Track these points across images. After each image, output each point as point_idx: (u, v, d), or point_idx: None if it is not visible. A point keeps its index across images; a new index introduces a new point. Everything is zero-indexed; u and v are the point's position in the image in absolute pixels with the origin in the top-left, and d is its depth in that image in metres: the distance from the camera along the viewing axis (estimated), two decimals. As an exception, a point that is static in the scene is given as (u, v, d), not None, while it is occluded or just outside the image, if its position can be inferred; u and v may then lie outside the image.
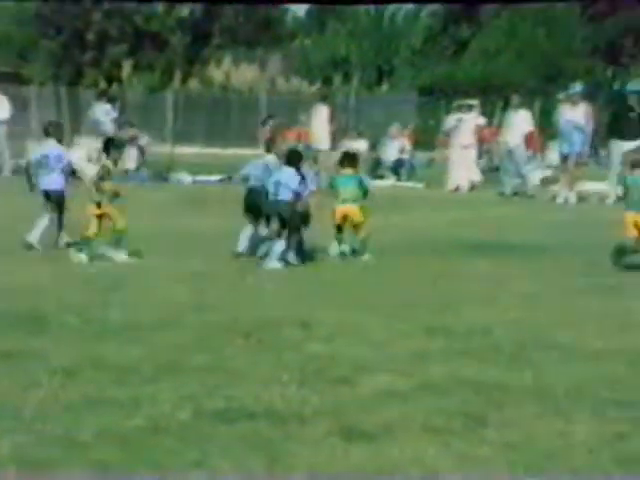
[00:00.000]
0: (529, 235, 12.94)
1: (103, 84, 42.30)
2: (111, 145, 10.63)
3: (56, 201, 11.00)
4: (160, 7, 47.93)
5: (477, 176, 21.76)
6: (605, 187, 18.98)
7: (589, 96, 20.16)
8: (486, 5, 47.32)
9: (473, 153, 21.84)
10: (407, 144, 25.52)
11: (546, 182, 21.20)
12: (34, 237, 10.79)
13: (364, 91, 41.36)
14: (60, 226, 10.95)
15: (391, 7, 48.17)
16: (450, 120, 22.05)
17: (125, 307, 7.72)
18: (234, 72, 45.26)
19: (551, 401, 5.28)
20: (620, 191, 18.41)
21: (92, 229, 10.17)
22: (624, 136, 18.56)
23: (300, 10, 55.41)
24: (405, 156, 25.23)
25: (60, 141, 11.32)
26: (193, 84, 44.13)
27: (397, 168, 24.82)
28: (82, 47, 45.88)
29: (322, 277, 9.39)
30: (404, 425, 4.85)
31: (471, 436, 4.71)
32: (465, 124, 21.41)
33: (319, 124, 23.42)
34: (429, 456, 4.46)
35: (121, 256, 10.08)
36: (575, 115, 18.85)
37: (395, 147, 25.09)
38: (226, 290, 8.62)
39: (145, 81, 43.55)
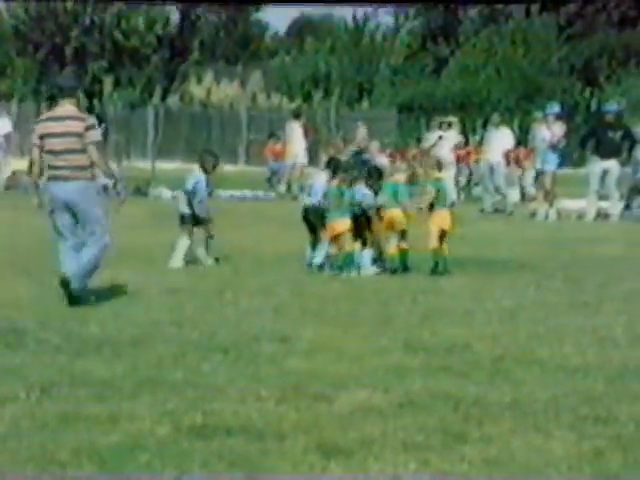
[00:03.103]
0: (508, 251, 12.97)
1: (83, 100, 42.24)
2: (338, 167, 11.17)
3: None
4: (140, 22, 47.96)
5: (453, 195, 21.79)
6: (584, 204, 19.08)
7: (567, 115, 20.32)
8: (469, 9, 47.58)
9: (452, 171, 21.91)
10: (387, 161, 25.52)
11: (526, 199, 21.30)
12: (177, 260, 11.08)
13: (344, 108, 41.46)
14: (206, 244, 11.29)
15: (371, 24, 48.44)
16: (430, 137, 22.13)
17: (104, 323, 7.68)
18: (215, 88, 45.31)
19: (530, 417, 5.28)
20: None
21: (349, 244, 10.58)
22: (602, 155, 18.68)
23: (280, 27, 55.57)
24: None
25: (206, 171, 11.51)
26: (174, 100, 44.15)
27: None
28: (61, 63, 45.83)
29: (301, 292, 9.38)
30: (383, 441, 4.84)
31: (450, 452, 4.70)
32: (445, 142, 21.48)
33: (294, 141, 23.51)
34: (408, 473, 4.45)
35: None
36: (549, 134, 18.98)
37: (377, 163, 25.06)
38: (205, 305, 8.59)
39: (125, 97, 43.52)
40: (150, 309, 8.35)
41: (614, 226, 17.89)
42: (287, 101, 42.40)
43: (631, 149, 19.06)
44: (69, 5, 46.12)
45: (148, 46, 47.31)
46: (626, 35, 45.80)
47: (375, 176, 11.07)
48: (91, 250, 8.60)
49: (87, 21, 46.12)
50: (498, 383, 5.96)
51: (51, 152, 8.55)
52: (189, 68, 47.71)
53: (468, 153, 24.49)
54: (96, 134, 8.59)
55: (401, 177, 11.08)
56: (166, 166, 30.02)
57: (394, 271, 10.69)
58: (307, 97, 43.01)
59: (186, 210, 11.32)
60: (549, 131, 19.07)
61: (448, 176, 21.39)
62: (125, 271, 10.23)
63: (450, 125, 22.35)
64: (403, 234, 10.83)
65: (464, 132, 25.27)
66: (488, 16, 48.35)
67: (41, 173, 8.79)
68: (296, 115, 24.98)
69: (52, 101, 43.21)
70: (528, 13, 46.39)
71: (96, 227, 8.59)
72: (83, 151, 8.48)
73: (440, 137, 21.60)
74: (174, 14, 50.05)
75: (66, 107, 8.64)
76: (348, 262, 10.58)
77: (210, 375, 6.08)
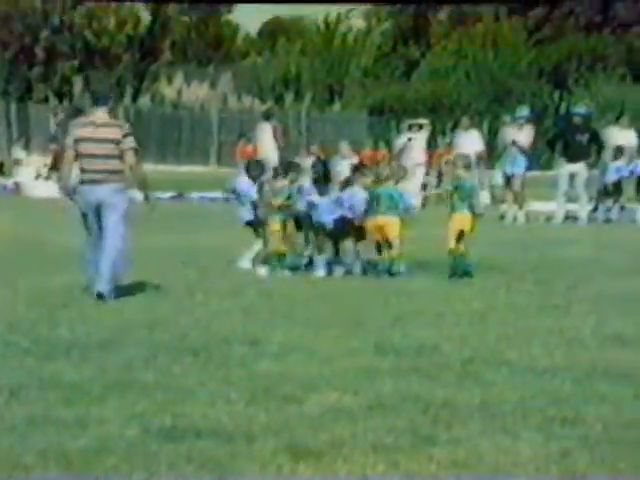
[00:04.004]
0: (478, 253, 13.02)
1: (53, 100, 42.04)
2: (289, 168, 11.41)
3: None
4: (111, 22, 47.72)
5: (417, 201, 21.76)
6: (553, 207, 19.20)
7: (536, 118, 20.48)
8: (439, 11, 47.76)
9: (422, 172, 21.98)
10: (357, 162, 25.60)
11: (495, 201, 21.41)
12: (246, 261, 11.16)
13: (316, 110, 41.50)
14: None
15: (342, 27, 48.50)
16: (401, 139, 22.20)
17: (73, 325, 7.65)
18: (185, 89, 45.21)
19: (498, 419, 5.31)
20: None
21: (279, 245, 10.83)
22: (570, 158, 18.80)
23: (252, 28, 55.52)
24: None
25: (253, 179, 11.61)
26: (144, 101, 44.00)
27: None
28: (30, 63, 45.55)
29: (272, 293, 9.38)
30: (352, 443, 4.85)
31: (419, 454, 4.72)
32: (415, 143, 21.55)
33: (265, 142, 23.49)
34: (377, 474, 4.46)
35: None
36: (519, 137, 19.11)
37: (346, 164, 25.16)
38: (175, 307, 8.57)
39: (96, 97, 43.27)
40: (120, 311, 8.33)
41: (582, 228, 18.01)
42: (258, 103, 42.39)
43: (599, 152, 19.22)
44: (38, 5, 45.86)
45: (119, 46, 47.12)
46: (593, 40, 46.28)
47: (321, 176, 11.29)
48: (109, 253, 8.96)
49: (57, 21, 45.88)
50: (467, 385, 5.98)
51: (87, 156, 8.92)
52: (159, 69, 47.58)
53: (439, 155, 24.60)
54: (132, 141, 8.99)
55: (367, 181, 11.06)
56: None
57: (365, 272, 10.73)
58: (278, 99, 43.01)
59: (250, 216, 11.44)
60: (519, 134, 19.19)
61: (418, 177, 21.54)
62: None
63: (421, 127, 22.43)
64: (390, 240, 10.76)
65: (434, 135, 25.37)
66: (458, 19, 48.59)
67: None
68: (267, 116, 24.95)
69: (22, 101, 42.85)
70: (497, 16, 46.68)
71: (115, 224, 8.95)
72: (119, 157, 8.90)
73: (410, 139, 21.66)
74: (144, 14, 49.86)
75: (101, 114, 9.05)
76: (280, 261, 10.72)
77: (180, 377, 6.07)
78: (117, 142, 8.90)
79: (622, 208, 19.90)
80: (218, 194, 24.00)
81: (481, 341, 7.29)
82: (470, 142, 20.84)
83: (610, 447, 4.84)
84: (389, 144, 26.16)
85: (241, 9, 53.55)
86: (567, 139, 18.97)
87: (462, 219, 10.72)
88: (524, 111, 20.29)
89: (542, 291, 9.87)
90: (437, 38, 47.15)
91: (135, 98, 43.81)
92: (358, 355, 6.76)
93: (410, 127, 22.40)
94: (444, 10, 49.81)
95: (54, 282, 9.74)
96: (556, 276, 10.87)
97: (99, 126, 8.98)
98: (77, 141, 8.98)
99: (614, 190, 19.43)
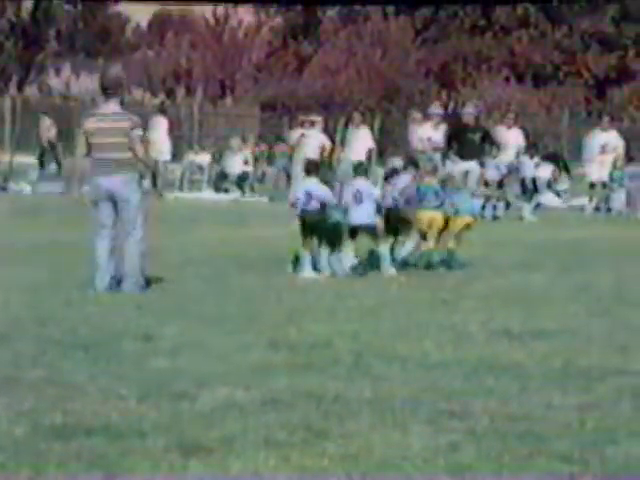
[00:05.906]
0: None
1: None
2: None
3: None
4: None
5: None
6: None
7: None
8: (328, 9, 48.01)
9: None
10: (250, 156, 25.69)
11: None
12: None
13: (208, 105, 41.27)
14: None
15: (232, 21, 48.34)
16: (293, 135, 22.25)
17: (-43, 321, 7.47)
18: (74, 81, 44.49)
19: (389, 412, 5.38)
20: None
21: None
22: (463, 156, 19.15)
23: (142, 20, 54.95)
24: (249, 168, 25.41)
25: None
26: (32, 91, 43.11)
27: (241, 182, 24.99)
28: None
29: (166, 289, 9.32)
30: (244, 439, 4.86)
31: (311, 449, 4.76)
32: (309, 140, 21.60)
33: (158, 136, 23.31)
34: (269, 469, 4.48)
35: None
36: (436, 136, 19.43)
37: (239, 160, 25.21)
38: (66, 302, 8.44)
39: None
40: (8, 306, 8.16)
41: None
42: (149, 96, 41.99)
43: (491, 150, 19.65)
44: None
45: (0, 33, 45.99)
46: (478, 42, 47.28)
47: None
48: (132, 249, 9.08)
49: None
50: (359, 379, 6.05)
51: (98, 147, 9.05)
52: (46, 59, 46.65)
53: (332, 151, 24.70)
54: (141, 131, 9.15)
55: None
56: (26, 160, 29.23)
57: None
58: (170, 93, 42.69)
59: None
60: (435, 133, 19.50)
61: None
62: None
63: (313, 124, 22.49)
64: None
65: (327, 131, 25.47)
66: (347, 16, 48.96)
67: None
68: (161, 110, 24.81)
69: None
70: (385, 15, 47.20)
71: (133, 217, 9.05)
72: (128, 147, 8.99)
73: (302, 135, 21.71)
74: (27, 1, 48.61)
75: (111, 105, 9.17)
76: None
77: (70, 374, 5.99)
78: (125, 133, 9.01)
79: (508, 205, 20.36)
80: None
81: (373, 336, 7.38)
82: (362, 139, 21.01)
83: (496, 440, 4.95)
84: (282, 139, 26.17)
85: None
86: (459, 138, 19.31)
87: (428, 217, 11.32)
88: (438, 109, 20.57)
89: (432, 287, 10.03)
90: (327, 35, 47.42)
91: (20, 88, 42.87)
92: (251, 350, 6.77)
93: (302, 123, 22.45)
94: (333, 8, 50.13)
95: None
96: (446, 272, 11.06)
97: (108, 117, 9.12)
98: (86, 133, 9.15)
99: (496, 187, 19.88)
